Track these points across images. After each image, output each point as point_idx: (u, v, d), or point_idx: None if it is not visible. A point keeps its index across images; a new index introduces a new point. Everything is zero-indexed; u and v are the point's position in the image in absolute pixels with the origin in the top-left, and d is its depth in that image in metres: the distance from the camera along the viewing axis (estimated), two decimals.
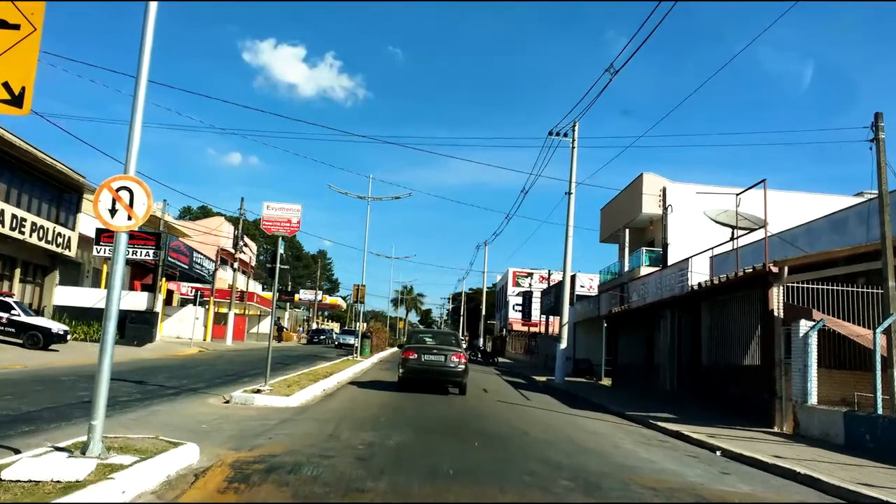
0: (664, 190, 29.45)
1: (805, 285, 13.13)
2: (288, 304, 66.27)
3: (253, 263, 56.09)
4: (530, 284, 62.34)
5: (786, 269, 13.24)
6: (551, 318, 40.19)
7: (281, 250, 14.59)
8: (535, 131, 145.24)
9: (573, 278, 33.34)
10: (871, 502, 6.82)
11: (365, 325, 42.48)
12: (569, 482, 6.68)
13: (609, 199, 37.10)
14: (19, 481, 4.65)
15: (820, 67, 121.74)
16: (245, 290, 47.51)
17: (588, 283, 38.71)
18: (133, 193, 5.94)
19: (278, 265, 14.06)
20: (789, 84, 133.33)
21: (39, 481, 4.68)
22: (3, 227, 23.07)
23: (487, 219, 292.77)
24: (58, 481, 4.70)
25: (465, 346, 25.07)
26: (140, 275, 37.33)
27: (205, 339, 37.84)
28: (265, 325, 51.28)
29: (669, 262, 25.69)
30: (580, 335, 33.51)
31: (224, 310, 42.21)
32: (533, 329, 50.36)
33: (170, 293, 39.67)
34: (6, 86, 5.60)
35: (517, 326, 59.69)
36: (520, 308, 55.29)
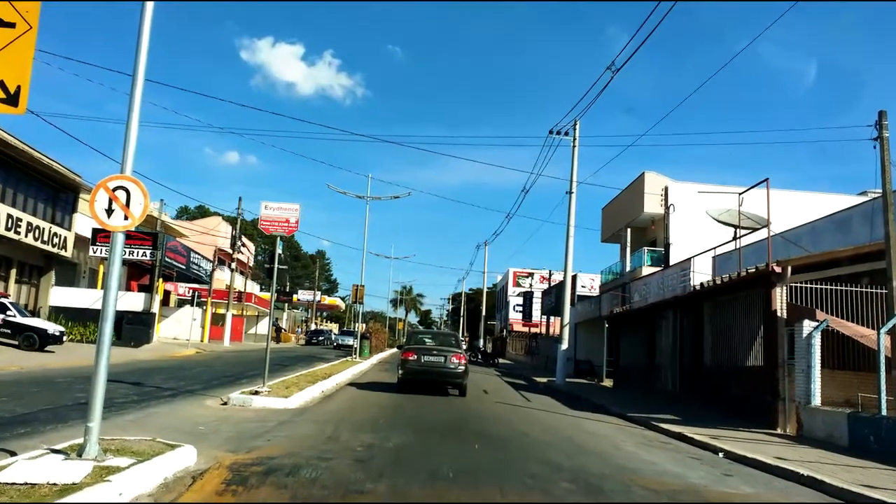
0: (666, 189, 29.48)
1: (808, 285, 13.13)
2: (286, 304, 66.33)
3: (251, 264, 56.07)
4: (531, 285, 62.34)
5: (789, 268, 13.24)
6: (552, 318, 40.18)
7: (279, 250, 14.60)
8: (535, 130, 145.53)
9: (574, 278, 33.32)
10: None
11: (364, 325, 42.50)
12: (570, 484, 6.68)
13: (610, 198, 37.14)
14: (15, 484, 4.65)
15: (822, 66, 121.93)
16: (243, 290, 47.49)
17: (589, 284, 38.69)
18: (130, 193, 5.94)
19: (276, 265, 14.07)
20: (791, 83, 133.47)
21: (35, 484, 4.68)
22: None
23: (487, 218, 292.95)
24: (54, 484, 4.70)
25: (464, 346, 25.08)
26: (137, 275, 37.34)
27: (202, 340, 37.82)
28: (263, 326, 51.29)
29: (671, 262, 25.71)
30: (581, 336, 33.51)
31: (222, 310, 42.21)
32: (534, 330, 50.36)
33: (167, 294, 39.72)
34: (1, 84, 5.61)
35: (518, 327, 59.70)
36: (520, 308, 55.31)
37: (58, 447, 5.72)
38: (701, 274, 19.71)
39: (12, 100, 5.64)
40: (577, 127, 26.03)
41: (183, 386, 14.25)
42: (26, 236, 24.89)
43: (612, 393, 22.37)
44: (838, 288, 12.97)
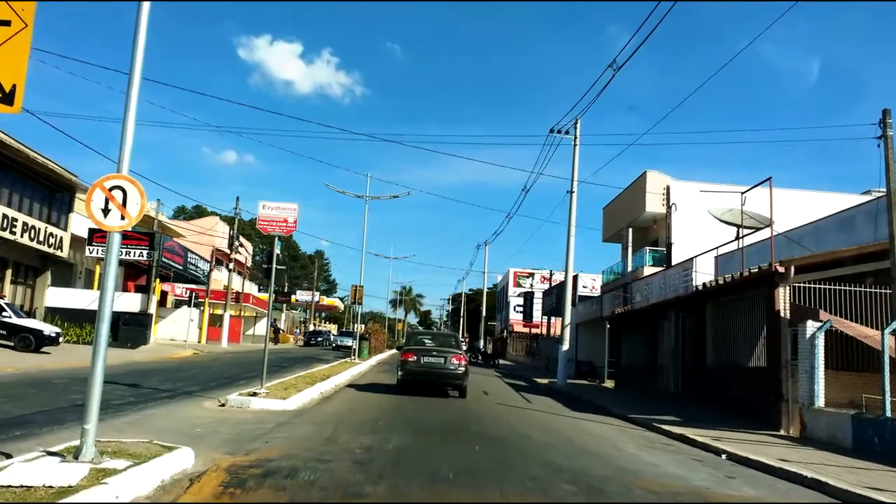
0: (668, 188, 29.49)
1: (812, 285, 13.12)
2: (284, 305, 66.35)
3: (249, 264, 56.08)
4: (531, 285, 62.28)
5: (792, 268, 13.24)
6: (553, 319, 40.19)
7: (277, 250, 14.60)
8: (535, 129, 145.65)
9: (575, 278, 33.33)
10: None
11: (363, 326, 42.51)
12: (571, 486, 6.68)
13: (612, 197, 37.14)
14: (11, 486, 4.65)
15: (823, 65, 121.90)
16: (241, 291, 47.50)
17: (590, 284, 38.71)
18: (126, 193, 5.94)
19: (275, 265, 14.07)
20: (793, 82, 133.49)
21: (31, 486, 4.68)
22: None
23: (488, 218, 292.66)
24: (50, 486, 4.70)
25: (465, 347, 25.09)
26: (133, 276, 37.33)
27: (199, 342, 37.84)
28: (261, 327, 51.30)
29: (673, 262, 25.72)
30: (582, 336, 33.51)
31: (219, 311, 42.22)
32: (534, 330, 50.38)
33: (164, 294, 39.72)
34: None
35: (518, 328, 59.71)
36: (521, 309, 55.31)
37: (54, 449, 5.72)
38: (703, 274, 19.71)
39: (8, 98, 5.64)
40: (578, 126, 26.05)
41: (180, 387, 14.25)
42: (22, 236, 24.88)
43: (614, 394, 22.38)
44: (842, 288, 12.97)
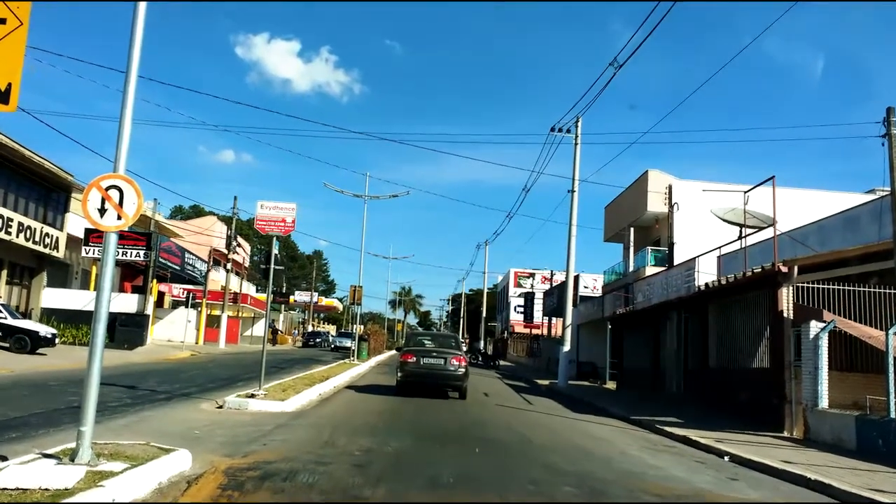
0: (670, 187, 29.49)
1: (816, 285, 13.12)
2: (283, 306, 66.28)
3: (246, 264, 56.10)
4: (532, 285, 62.30)
5: (796, 268, 13.24)
6: (554, 319, 40.20)
7: (275, 251, 14.59)
8: (536, 128, 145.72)
9: (576, 279, 33.31)
10: None
11: (362, 327, 42.49)
12: (573, 489, 6.68)
13: (613, 197, 37.14)
14: (6, 489, 4.65)
15: (829, 63, 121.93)
16: (238, 291, 47.51)
17: (592, 284, 38.69)
18: (123, 192, 5.94)
19: (272, 266, 14.07)
20: (798, 79, 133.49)
21: (27, 489, 4.68)
22: None
23: (488, 218, 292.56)
24: (46, 489, 4.70)
25: (465, 348, 25.08)
26: (130, 276, 37.31)
27: (197, 343, 37.84)
28: (259, 328, 51.27)
29: (676, 262, 25.71)
30: (584, 337, 33.50)
31: (217, 312, 42.22)
32: (535, 331, 50.38)
33: (161, 295, 39.71)
34: None
35: (519, 328, 59.70)
36: (521, 309, 55.28)
37: (50, 452, 5.71)
38: (706, 274, 19.70)
39: (3, 97, 5.64)
40: (580, 124, 26.05)
41: (177, 389, 14.25)
42: (17, 237, 24.88)
43: (616, 395, 22.38)
44: (846, 288, 12.97)
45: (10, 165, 24.68)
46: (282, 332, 63.53)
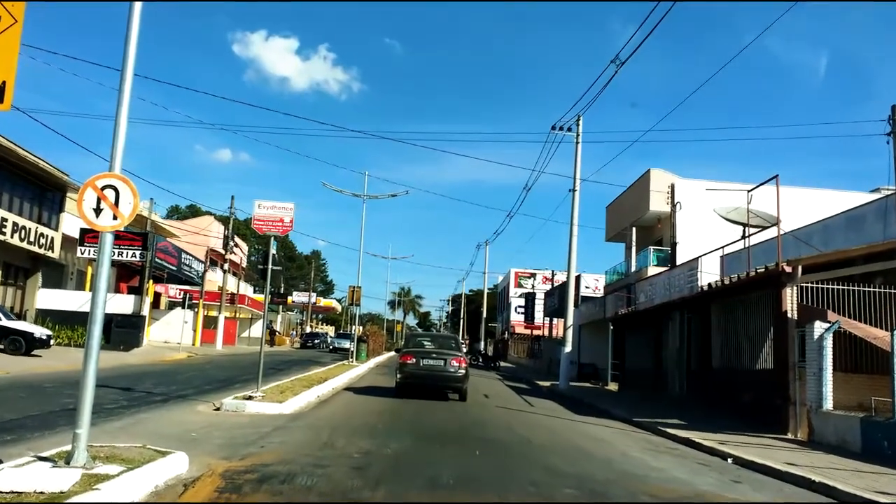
0: (672, 186, 29.46)
1: (820, 285, 13.12)
2: (280, 306, 66.13)
3: (244, 264, 56.11)
4: (533, 285, 62.26)
5: (800, 268, 13.24)
6: (555, 320, 40.20)
7: (273, 251, 14.59)
8: (537, 126, 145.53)
9: (578, 279, 33.31)
10: None
11: (361, 328, 42.49)
12: (574, 491, 6.69)
13: (615, 196, 37.14)
14: (1, 492, 4.65)
15: (829, 63, 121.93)
16: (236, 292, 47.52)
17: (593, 284, 38.69)
18: (119, 192, 5.94)
19: (270, 266, 14.05)
20: (799, 78, 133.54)
21: (22, 492, 4.68)
22: None
23: (488, 217, 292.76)
24: (41, 492, 4.70)
25: (465, 349, 25.08)
26: (126, 277, 37.34)
27: (194, 344, 37.84)
28: (257, 329, 51.27)
29: (678, 262, 25.69)
30: (585, 338, 33.50)
31: (214, 313, 42.21)
32: (536, 332, 50.36)
33: (157, 296, 39.69)
34: None
35: (520, 329, 59.68)
36: (522, 310, 55.29)
37: (45, 454, 5.72)
38: (709, 274, 19.70)
39: None
40: (581, 122, 26.06)
41: (174, 391, 14.25)
42: (12, 237, 24.89)
43: (617, 397, 22.39)
44: (851, 288, 12.97)
45: (5, 165, 24.68)
46: (280, 333, 63.57)
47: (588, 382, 29.09)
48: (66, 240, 29.26)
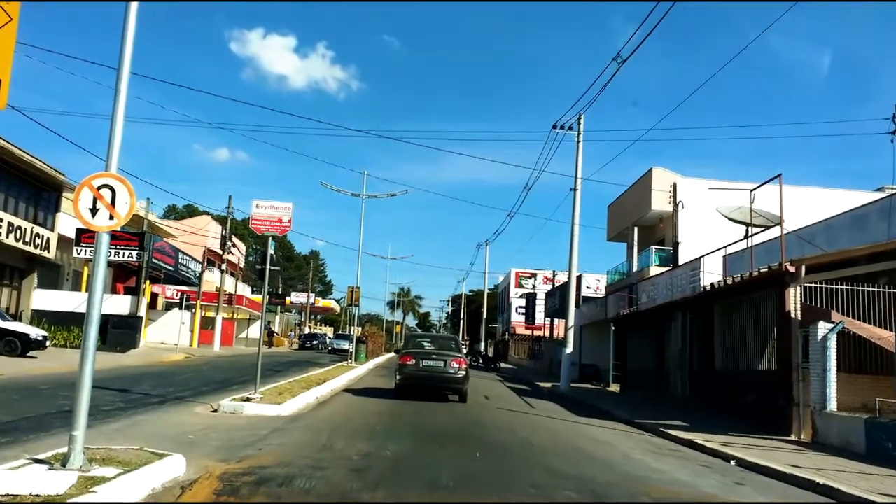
0: (675, 186, 29.45)
1: (823, 285, 13.12)
2: (279, 307, 66.23)
3: (242, 265, 56.08)
4: (534, 286, 62.31)
5: (803, 268, 13.24)
6: (556, 321, 40.19)
7: (271, 251, 14.58)
8: (537, 125, 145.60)
9: (579, 279, 33.31)
10: None
11: (360, 329, 42.50)
12: (574, 493, 6.69)
13: (617, 195, 37.13)
14: None
15: (829, 62, 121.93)
16: (233, 292, 47.49)
17: (595, 284, 38.69)
18: (115, 192, 5.94)
19: (268, 266, 14.05)
20: (799, 78, 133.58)
21: (17, 495, 4.68)
22: None
23: (488, 217, 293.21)
24: (37, 495, 4.70)
25: (465, 350, 25.07)
26: (123, 277, 37.33)
27: (191, 345, 37.83)
28: (255, 330, 51.27)
29: (680, 262, 25.68)
30: (586, 339, 33.50)
31: (211, 314, 42.20)
32: (537, 333, 50.36)
33: (154, 296, 39.70)
34: None
35: (520, 330, 59.69)
36: (523, 311, 55.28)
37: (41, 457, 5.71)
38: (711, 274, 19.69)
39: None
40: (582, 121, 26.05)
41: (171, 392, 14.25)
42: (7, 237, 24.88)
43: (619, 398, 22.39)
44: (855, 288, 12.97)
45: (0, 164, 24.67)
46: (278, 334, 63.52)
47: (589, 383, 29.09)
48: (62, 240, 29.25)
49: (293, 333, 74.74)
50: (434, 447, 9.38)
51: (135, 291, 31.91)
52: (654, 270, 28.68)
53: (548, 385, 26.38)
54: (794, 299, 13.29)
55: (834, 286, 13.02)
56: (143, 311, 31.26)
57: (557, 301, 36.73)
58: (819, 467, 9.10)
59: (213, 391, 14.93)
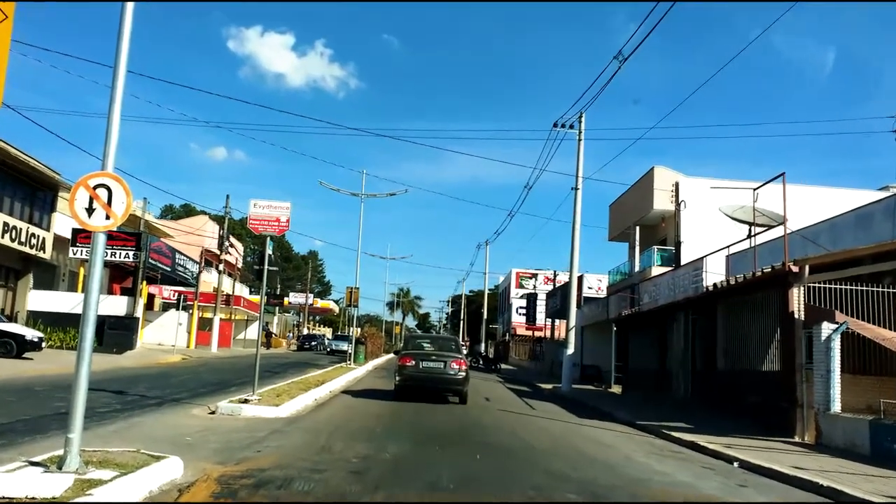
0: (677, 185, 29.46)
1: (827, 285, 13.12)
2: (277, 308, 66.33)
3: (239, 265, 56.08)
4: (535, 286, 62.30)
5: (807, 268, 13.24)
6: (557, 321, 40.19)
7: (269, 251, 14.59)
8: (538, 124, 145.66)
9: (580, 279, 33.31)
10: None
11: (359, 330, 42.52)
12: (575, 495, 6.70)
13: (618, 194, 37.14)
14: None
15: (830, 62, 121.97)
16: (231, 293, 47.50)
17: (596, 285, 38.70)
18: (111, 191, 5.94)
19: (266, 267, 14.05)
20: (799, 77, 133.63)
21: (13, 498, 4.68)
22: None
23: (489, 217, 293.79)
24: (33, 498, 4.71)
25: (465, 351, 25.08)
26: (119, 278, 37.30)
27: (188, 346, 37.83)
28: (252, 331, 51.27)
29: (683, 262, 25.70)
30: (588, 340, 33.51)
31: (209, 314, 42.20)
32: (538, 333, 50.38)
33: (151, 297, 39.71)
34: None
35: (521, 331, 59.70)
36: (523, 311, 55.29)
37: (37, 459, 5.71)
38: (714, 274, 19.71)
39: None
40: (583, 120, 26.05)
41: (168, 394, 14.25)
42: (2, 237, 24.88)
43: (621, 400, 22.39)
44: (859, 288, 12.97)
45: None
46: (276, 335, 63.54)
47: (591, 385, 29.09)
48: (58, 240, 29.26)
49: (291, 334, 74.78)
50: (434, 449, 9.38)
51: (131, 292, 31.89)
52: (657, 270, 28.71)
53: (549, 386, 26.39)
54: (797, 299, 13.29)
55: (838, 286, 13.02)
56: (139, 312, 31.26)
57: (558, 301, 36.72)
58: (823, 469, 9.10)
59: (210, 393, 14.94)
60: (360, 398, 16.25)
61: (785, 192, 14.67)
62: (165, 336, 36.21)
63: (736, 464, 9.78)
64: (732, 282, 15.96)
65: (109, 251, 28.10)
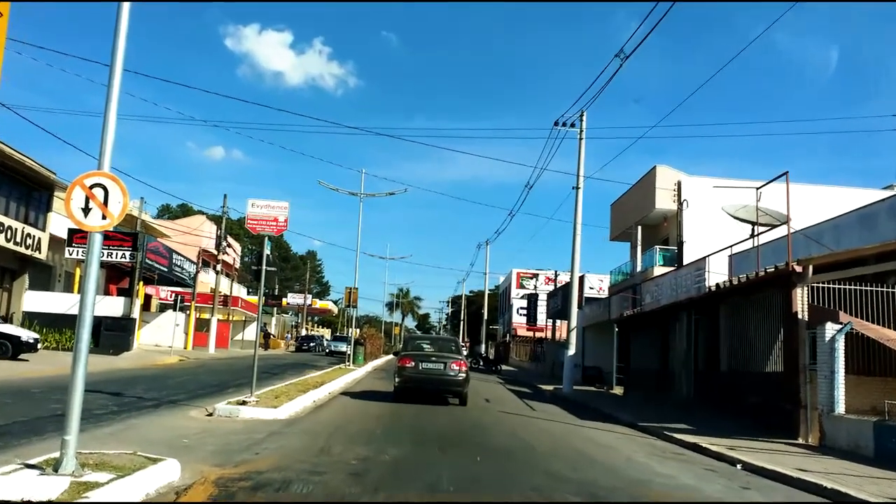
0: (679, 184, 29.47)
1: (831, 285, 13.12)
2: (275, 308, 66.33)
3: (237, 265, 56.10)
4: (535, 286, 62.34)
5: (810, 268, 13.24)
6: (558, 322, 40.20)
7: (267, 251, 14.59)
8: (538, 123, 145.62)
9: (581, 279, 33.32)
10: None
11: (358, 331, 42.53)
12: (576, 497, 6.70)
13: (620, 194, 37.14)
14: None
15: (830, 61, 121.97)
16: (229, 294, 47.50)
17: (597, 285, 38.74)
18: (108, 191, 5.94)
19: (264, 267, 14.06)
20: (799, 77, 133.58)
21: (9, 501, 4.68)
22: None
23: (489, 216, 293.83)
24: (28, 500, 4.70)
25: (465, 352, 25.08)
26: (116, 278, 37.32)
27: (186, 347, 37.84)
28: (251, 332, 51.29)
29: (685, 262, 25.72)
30: (589, 340, 33.52)
31: (206, 315, 42.20)
32: (538, 334, 50.39)
33: (148, 298, 39.69)
34: None
35: (522, 331, 59.72)
36: (524, 312, 55.34)
37: (32, 461, 5.72)
38: (716, 274, 19.71)
39: None
40: (584, 118, 26.05)
41: (165, 396, 14.25)
42: None
43: (622, 401, 22.40)
44: (863, 288, 12.97)
45: None
46: (274, 336, 63.57)
47: (592, 386, 29.09)
48: (54, 240, 29.25)
49: (290, 335, 74.77)
50: (434, 451, 9.38)
51: (128, 293, 31.89)
52: (659, 270, 28.70)
53: (550, 387, 26.39)
54: (801, 300, 13.29)
55: (842, 286, 13.02)
56: (136, 313, 31.26)
57: (559, 302, 36.73)
58: (827, 471, 9.10)
59: (208, 394, 14.95)
60: (359, 400, 16.25)
61: (788, 192, 14.67)
62: (162, 337, 36.19)
63: (739, 466, 9.78)
64: (735, 282, 15.96)
65: (106, 251, 28.12)
